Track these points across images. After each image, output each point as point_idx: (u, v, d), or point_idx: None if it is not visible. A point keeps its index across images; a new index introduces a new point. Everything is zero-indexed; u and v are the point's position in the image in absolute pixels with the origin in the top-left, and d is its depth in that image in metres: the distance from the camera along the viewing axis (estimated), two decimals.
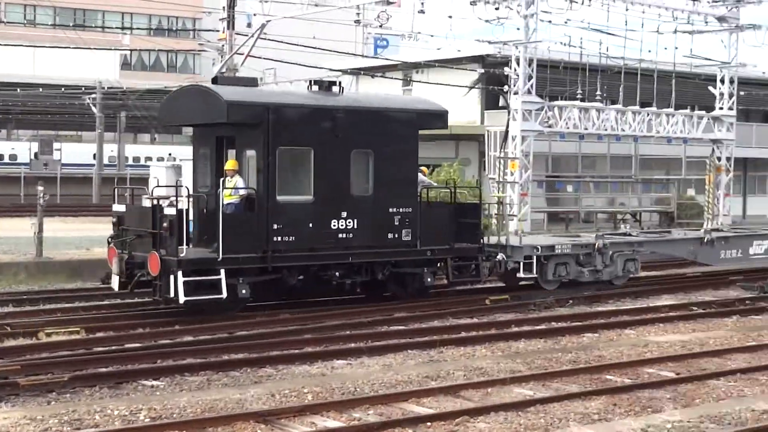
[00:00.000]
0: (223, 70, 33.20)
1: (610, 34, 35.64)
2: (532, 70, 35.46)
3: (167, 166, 29.12)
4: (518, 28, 35.41)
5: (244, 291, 20.55)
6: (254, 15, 39.22)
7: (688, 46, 38.68)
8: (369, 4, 40.64)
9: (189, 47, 71.37)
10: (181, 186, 21.16)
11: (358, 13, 51.97)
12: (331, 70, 51.71)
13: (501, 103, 40.12)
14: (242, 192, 20.84)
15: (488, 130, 36.93)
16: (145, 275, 20.35)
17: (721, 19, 38.76)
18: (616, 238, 28.77)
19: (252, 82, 22.58)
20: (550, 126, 33.42)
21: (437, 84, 38.98)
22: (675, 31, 37.78)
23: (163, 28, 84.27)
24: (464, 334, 20.00)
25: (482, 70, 42.23)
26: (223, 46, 35.02)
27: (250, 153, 21.17)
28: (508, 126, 32.78)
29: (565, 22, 35.58)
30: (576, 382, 15.48)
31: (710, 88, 40.95)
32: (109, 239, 21.71)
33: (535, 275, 25.61)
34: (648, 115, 37.09)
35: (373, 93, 29.76)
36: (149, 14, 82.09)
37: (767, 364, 17.06)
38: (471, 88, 43.12)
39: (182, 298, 19.62)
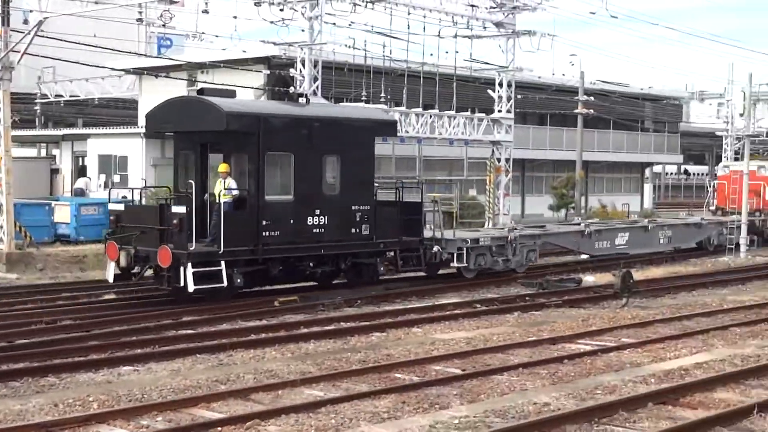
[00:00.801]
0: None
1: (393, 37, 36.23)
2: (318, 72, 35.69)
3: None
4: (303, 30, 35.54)
5: (238, 280, 23.36)
6: (30, 12, 37.88)
7: (468, 50, 39.73)
8: (152, 2, 39.89)
9: None
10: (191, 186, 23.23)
11: (140, 12, 50.93)
12: (113, 69, 50.52)
13: None
14: (235, 192, 23.32)
15: None
16: (150, 268, 23.15)
17: (498, 24, 40.01)
18: (523, 231, 32.15)
19: (232, 94, 24.96)
20: None
21: (223, 85, 38.58)
22: (455, 36, 38.75)
23: None
24: (254, 336, 19.90)
25: (268, 71, 42.13)
26: None
27: (242, 157, 23.78)
28: None
29: (350, 25, 35.94)
30: (365, 382, 15.63)
31: (489, 91, 42.22)
32: (107, 235, 24.04)
33: (466, 264, 28.80)
34: (431, 117, 37.92)
35: (338, 105, 32.80)
36: None
37: (547, 358, 17.69)
38: (263, 90, 42.94)
39: (192, 287, 22.15)
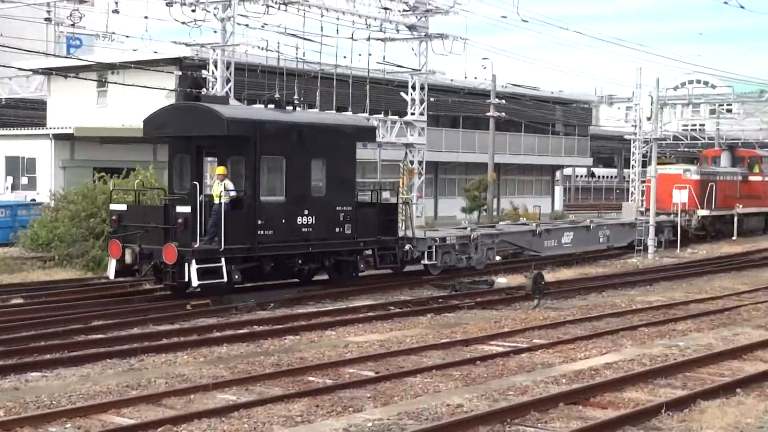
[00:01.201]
0: None
1: (306, 39, 36.12)
2: (230, 73, 35.47)
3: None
4: (215, 31, 35.29)
5: (237, 276, 24.62)
6: None
7: (382, 53, 39.83)
8: (60, 1, 39.25)
9: None
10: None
11: (48, 11, 50.05)
12: (20, 69, 49.64)
13: None
14: (232, 193, 24.52)
15: None
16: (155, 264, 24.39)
17: (411, 27, 40.18)
18: (483, 230, 33.77)
19: (225, 101, 27.42)
20: None
21: (134, 86, 38.15)
22: (368, 39, 38.79)
23: None
24: (166, 340, 19.68)
25: (180, 73, 41.73)
26: None
27: (239, 160, 25.20)
28: None
29: (262, 27, 35.75)
30: (279, 385, 15.57)
31: (402, 94, 42.38)
32: (109, 234, 26.07)
33: (435, 261, 30.37)
34: None
35: (324, 112, 33.83)
36: None
37: (460, 360, 17.80)
38: (176, 91, 42.55)
39: (196, 282, 23.49)
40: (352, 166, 28.00)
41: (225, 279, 24.00)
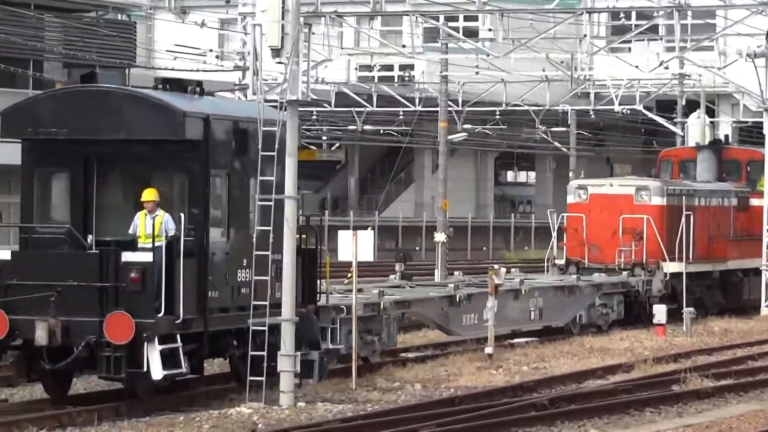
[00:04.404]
0: None
1: None
2: None
3: None
4: None
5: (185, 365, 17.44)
6: None
7: None
8: None
9: None
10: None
11: None
12: None
13: None
14: (171, 233, 17.36)
15: None
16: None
17: None
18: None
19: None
20: None
21: None
22: None
23: None
24: None
25: None
26: None
27: (178, 178, 18.18)
28: None
29: None
30: None
31: None
32: None
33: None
34: None
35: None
36: None
37: None
38: None
39: (160, 372, 16.58)
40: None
41: (184, 368, 17.01)
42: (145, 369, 16.66)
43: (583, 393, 17.83)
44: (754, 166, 32.58)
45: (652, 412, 16.83)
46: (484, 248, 58.10)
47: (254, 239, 18.09)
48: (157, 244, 16.96)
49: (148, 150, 17.75)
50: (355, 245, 18.32)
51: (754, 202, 32.06)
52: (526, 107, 49.86)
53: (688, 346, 24.85)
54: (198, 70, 39.24)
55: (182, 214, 17.08)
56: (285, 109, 17.46)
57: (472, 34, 48.58)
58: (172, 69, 41.19)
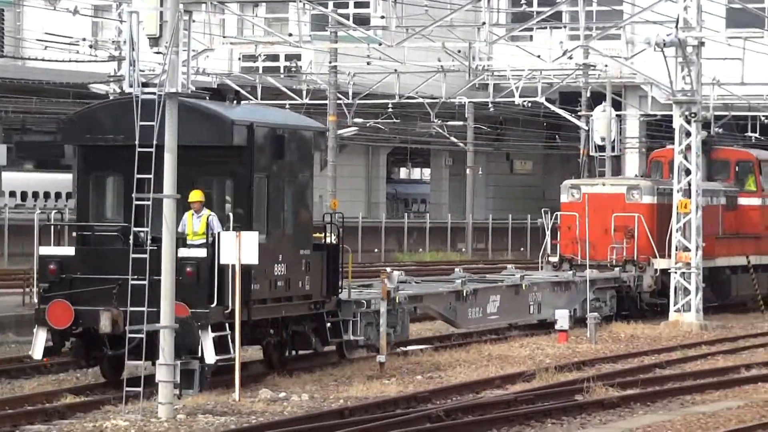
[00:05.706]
0: None
1: None
2: None
3: None
4: None
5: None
6: None
7: None
8: None
9: None
10: None
11: None
12: None
13: None
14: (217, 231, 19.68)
15: None
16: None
17: None
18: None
19: None
20: None
21: None
22: None
23: None
24: None
25: None
26: None
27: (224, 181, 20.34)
28: None
29: None
30: None
31: None
32: (42, 291, 18.70)
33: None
34: None
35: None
36: None
37: None
38: None
39: (213, 357, 18.28)
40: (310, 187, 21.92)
41: (232, 353, 18.41)
42: (199, 354, 18.16)
43: (480, 404, 17.35)
44: (743, 166, 34.50)
45: (554, 423, 16.37)
46: (376, 250, 57.00)
47: (290, 236, 20.51)
48: (202, 241, 18.69)
49: (198, 155, 19.21)
50: (239, 247, 18.34)
51: (743, 201, 33.83)
52: (421, 100, 49.15)
53: (592, 353, 24.54)
54: (70, 61, 38.35)
55: (230, 214, 18.97)
56: (164, 103, 17.18)
57: (363, 21, 47.26)
58: (42, 59, 40.03)
